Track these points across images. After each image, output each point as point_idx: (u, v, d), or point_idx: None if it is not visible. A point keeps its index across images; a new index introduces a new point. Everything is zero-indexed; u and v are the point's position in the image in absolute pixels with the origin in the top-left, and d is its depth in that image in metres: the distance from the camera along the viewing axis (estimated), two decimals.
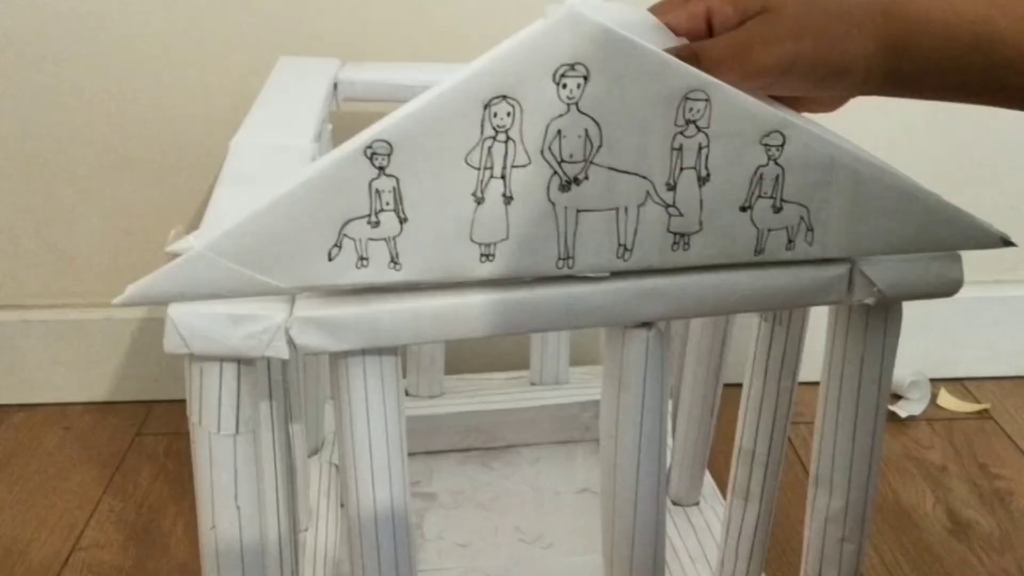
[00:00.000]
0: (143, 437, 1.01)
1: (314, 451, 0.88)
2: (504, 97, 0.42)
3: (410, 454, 0.90)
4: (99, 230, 1.00)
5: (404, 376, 0.94)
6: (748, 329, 0.64)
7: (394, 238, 0.43)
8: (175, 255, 0.43)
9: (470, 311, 0.45)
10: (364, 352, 0.46)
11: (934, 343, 1.09)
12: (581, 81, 0.42)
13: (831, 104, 0.52)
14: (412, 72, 0.82)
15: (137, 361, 1.05)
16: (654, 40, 0.44)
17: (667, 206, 0.45)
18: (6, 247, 1.01)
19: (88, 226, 1.00)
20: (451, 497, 0.87)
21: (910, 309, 0.55)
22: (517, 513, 0.85)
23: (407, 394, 0.94)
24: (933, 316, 1.06)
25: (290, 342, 0.44)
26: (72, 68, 0.94)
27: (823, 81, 0.47)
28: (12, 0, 0.91)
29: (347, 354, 0.46)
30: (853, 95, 0.50)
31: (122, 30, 0.93)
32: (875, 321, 0.51)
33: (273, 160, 0.59)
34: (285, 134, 0.65)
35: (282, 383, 0.58)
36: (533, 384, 0.96)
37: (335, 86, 0.80)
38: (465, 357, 1.00)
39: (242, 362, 0.45)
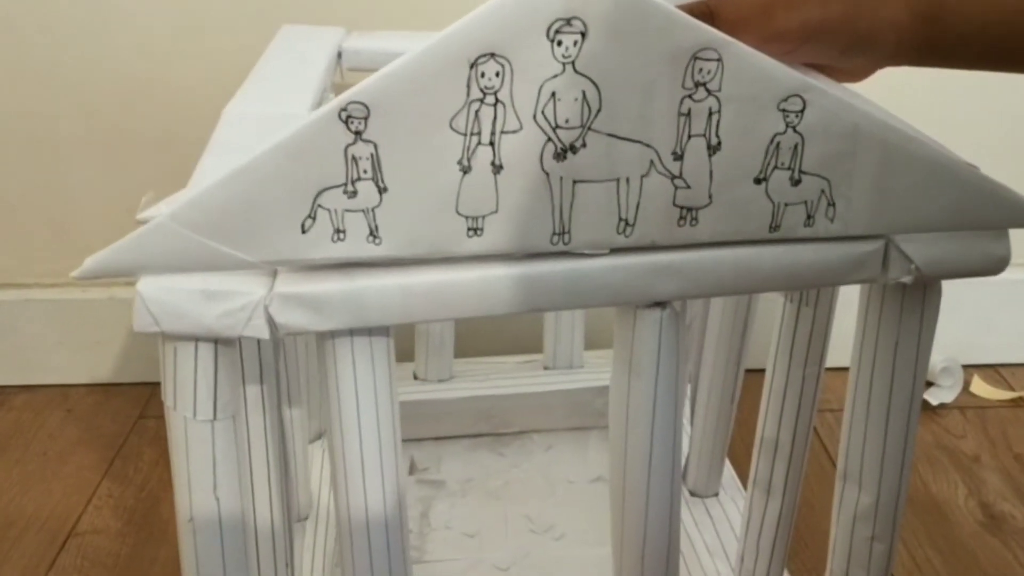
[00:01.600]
0: (145, 420, 0.98)
1: (318, 436, 0.85)
2: (492, 55, 0.37)
3: (418, 440, 0.89)
4: (102, 208, 0.98)
5: (412, 359, 0.91)
6: (771, 310, 0.60)
7: (373, 209, 0.39)
8: (146, 223, 0.40)
9: (465, 288, 0.41)
10: (352, 332, 0.42)
11: (967, 327, 1.05)
12: (578, 38, 0.38)
13: (855, 74, 0.48)
14: (421, 41, 0.78)
15: (141, 342, 1.02)
16: None
17: (673, 177, 0.41)
18: (8, 226, 0.99)
19: (90, 204, 0.98)
20: (459, 485, 0.84)
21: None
22: (528, 502, 0.82)
23: (415, 377, 0.90)
24: (966, 298, 1.01)
25: (270, 321, 0.40)
26: (73, 45, 0.91)
27: (849, 50, 0.43)
28: None
29: (333, 334, 0.42)
30: (881, 66, 0.46)
31: (123, 5, 0.90)
32: (911, 302, 0.47)
33: (265, 129, 0.55)
34: (281, 102, 0.62)
35: (273, 364, 0.55)
36: (546, 368, 0.92)
37: (339, 55, 0.77)
38: (476, 340, 0.97)
39: (219, 342, 0.41)
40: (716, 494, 0.81)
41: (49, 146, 0.95)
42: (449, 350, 0.90)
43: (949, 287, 0.49)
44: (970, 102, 0.97)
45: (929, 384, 1.03)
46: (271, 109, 0.59)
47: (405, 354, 0.90)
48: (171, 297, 0.40)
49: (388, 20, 0.91)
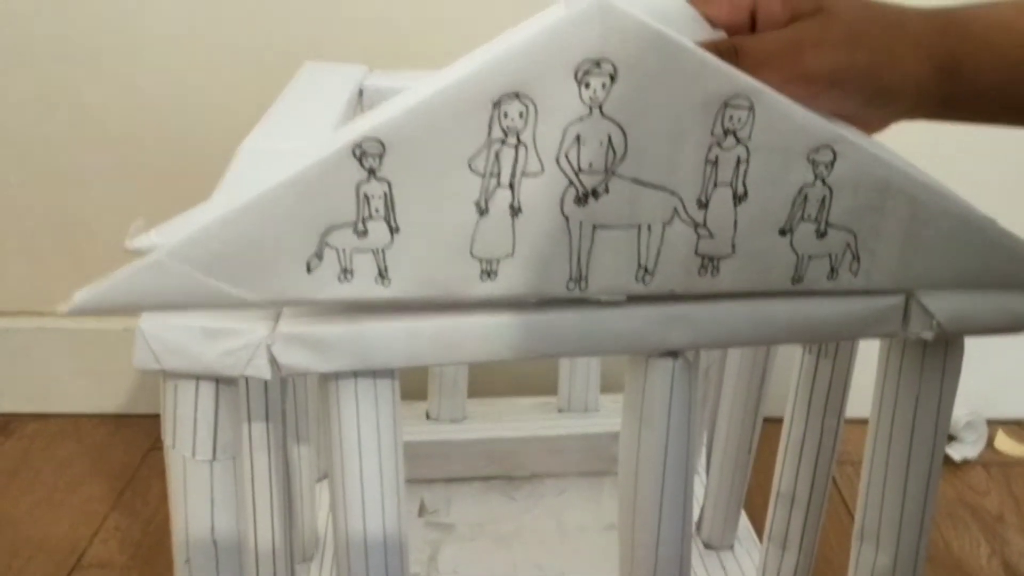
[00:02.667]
0: (156, 452, 0.97)
1: (325, 475, 0.84)
2: (517, 95, 0.36)
3: (429, 481, 0.87)
4: (120, 239, 0.97)
5: (425, 398, 0.90)
6: (790, 357, 0.59)
7: (383, 249, 0.38)
8: (136, 253, 0.39)
9: (472, 333, 0.40)
10: (356, 374, 0.41)
11: (991, 380, 1.02)
12: (607, 80, 0.37)
13: (871, 125, 0.47)
14: (467, 62, 0.78)
15: (153, 374, 1.02)
16: (691, 34, 0.39)
17: (696, 226, 0.40)
18: (25, 254, 0.99)
19: (109, 235, 0.97)
20: (469, 529, 0.82)
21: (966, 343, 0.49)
22: (538, 549, 0.80)
23: (428, 417, 0.89)
24: (990, 351, 0.99)
25: (272, 361, 0.40)
26: (98, 79, 0.92)
27: (872, 99, 0.42)
28: (33, 8, 0.89)
29: (337, 376, 0.41)
30: (899, 119, 0.46)
31: (144, 38, 0.91)
32: (932, 357, 0.45)
33: (279, 165, 0.55)
34: (298, 139, 0.61)
35: (279, 403, 0.54)
36: (561, 411, 0.91)
37: (360, 93, 0.77)
38: (490, 380, 0.96)
39: (220, 381, 0.41)
40: (731, 547, 0.79)
41: (71, 176, 0.96)
42: (462, 390, 0.89)
43: (973, 340, 0.48)
44: (979, 149, 0.96)
45: (952, 439, 1.01)
46: (287, 145, 0.59)
47: (418, 393, 0.90)
48: (172, 335, 0.39)
49: (413, 58, 0.91)
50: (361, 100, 0.77)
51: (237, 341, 0.39)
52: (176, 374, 0.40)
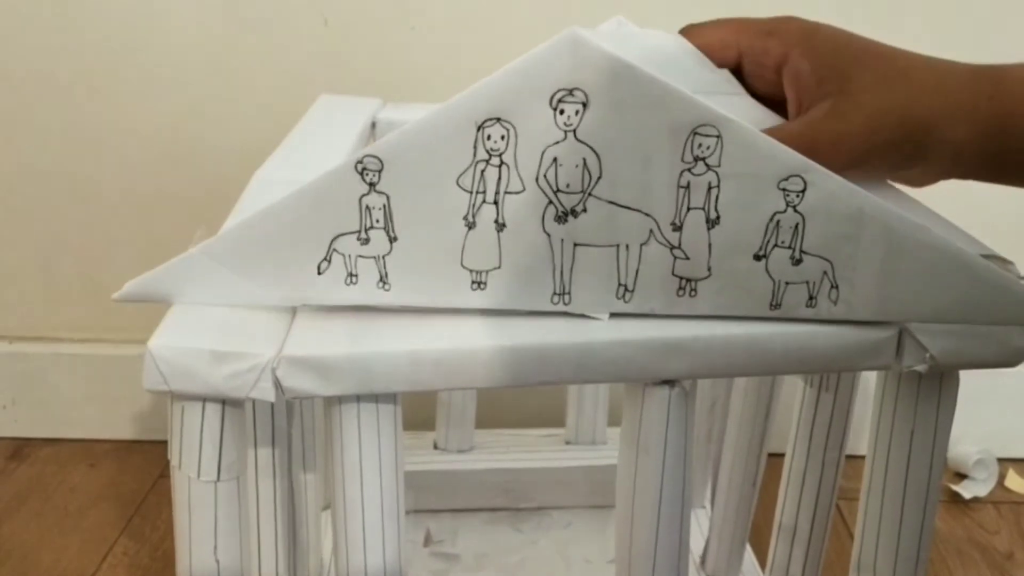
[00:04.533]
0: (166, 479, 0.98)
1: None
2: (498, 119, 0.39)
3: (435, 511, 0.88)
4: (136, 266, 0.98)
5: (434, 428, 0.90)
6: (794, 393, 0.59)
7: (383, 257, 0.41)
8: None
9: (473, 359, 0.41)
10: (359, 398, 0.42)
11: (1002, 418, 1.02)
12: (580, 107, 0.39)
13: (912, 183, 0.47)
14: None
15: (165, 400, 1.03)
16: (687, 67, 0.40)
17: (672, 247, 0.41)
18: (41, 279, 1.00)
19: (125, 262, 0.99)
20: (475, 560, 0.83)
21: (975, 379, 0.49)
22: None
23: (435, 447, 0.90)
24: (1000, 387, 0.99)
25: (277, 384, 0.41)
26: (110, 101, 0.94)
27: (898, 167, 0.43)
28: (53, 33, 0.92)
29: (340, 400, 0.42)
30: (942, 179, 0.45)
31: (162, 64, 0.93)
32: (927, 390, 0.46)
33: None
34: (311, 170, 0.63)
35: (286, 428, 0.55)
36: (568, 443, 0.91)
37: (373, 125, 0.78)
38: (498, 411, 0.96)
39: (227, 403, 0.41)
40: None
41: (89, 204, 0.97)
42: (470, 420, 0.89)
43: (983, 377, 0.48)
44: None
45: (962, 477, 1.00)
46: (299, 175, 0.60)
47: (426, 423, 0.90)
48: (180, 357, 0.40)
49: (429, 91, 0.92)
50: (374, 132, 0.78)
51: (243, 364, 0.40)
52: (183, 395, 0.41)
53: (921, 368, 0.43)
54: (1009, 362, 0.44)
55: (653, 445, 0.44)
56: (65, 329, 1.02)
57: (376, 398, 0.42)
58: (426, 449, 0.90)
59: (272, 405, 0.53)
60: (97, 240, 0.99)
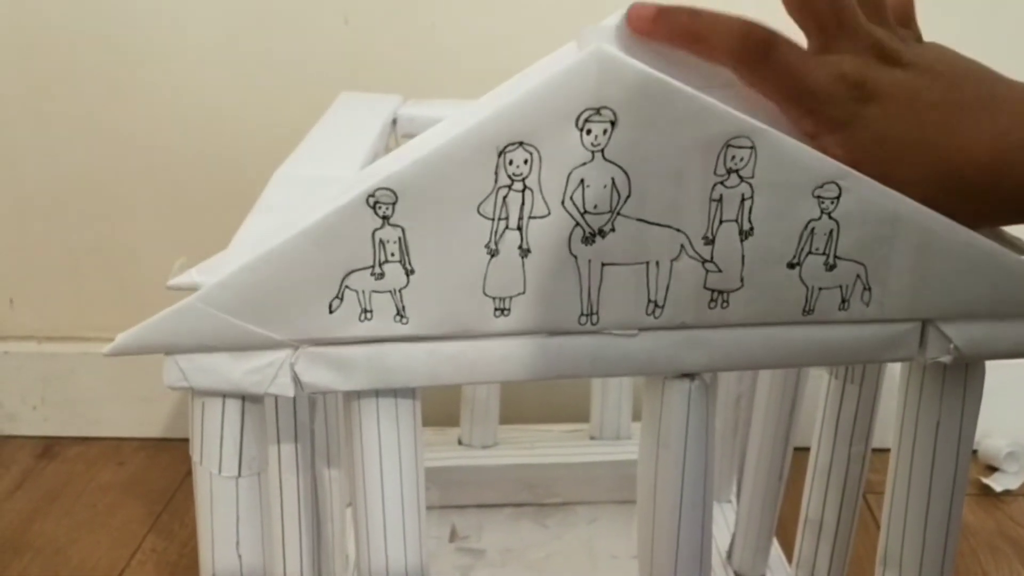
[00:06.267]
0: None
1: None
2: (521, 144, 0.37)
3: (460, 507, 0.88)
4: (163, 266, 0.99)
5: (458, 424, 0.90)
6: (820, 387, 0.59)
7: (400, 290, 0.40)
8: (176, 290, 0.40)
9: (491, 354, 0.41)
10: (378, 394, 0.42)
11: None
12: (608, 127, 0.37)
13: None
14: (475, 109, 0.79)
15: None
16: (703, 75, 0.40)
17: (704, 261, 0.40)
18: (69, 279, 1.01)
19: (152, 262, 1.00)
20: (500, 555, 0.83)
21: (1005, 371, 0.49)
22: None
23: (460, 443, 0.90)
24: None
25: (295, 379, 0.41)
26: (134, 103, 0.95)
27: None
28: (77, 36, 0.92)
29: (359, 395, 0.42)
30: None
31: (185, 65, 0.93)
32: (952, 381, 0.45)
33: (312, 191, 0.56)
34: (331, 166, 0.63)
35: (308, 424, 0.55)
36: (593, 438, 0.91)
37: (394, 122, 0.78)
38: (521, 407, 0.96)
39: (247, 399, 0.42)
40: (763, 575, 0.78)
41: (116, 204, 0.98)
42: (494, 416, 0.89)
43: (1013, 370, 0.47)
44: None
45: (993, 469, 0.99)
46: (319, 172, 0.60)
47: (450, 420, 0.90)
48: (200, 354, 0.40)
49: (449, 87, 0.92)
50: (395, 129, 0.79)
51: (262, 360, 0.40)
52: (203, 392, 0.41)
53: (945, 359, 0.43)
54: None
55: (674, 439, 0.43)
56: (93, 329, 1.02)
57: (395, 393, 0.42)
58: (451, 445, 0.90)
59: (294, 400, 0.53)
60: (125, 240, 1.00)
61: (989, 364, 0.47)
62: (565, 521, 0.87)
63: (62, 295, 1.02)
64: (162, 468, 1.00)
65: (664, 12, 0.41)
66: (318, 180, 0.58)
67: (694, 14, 0.41)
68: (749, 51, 0.40)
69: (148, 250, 1.00)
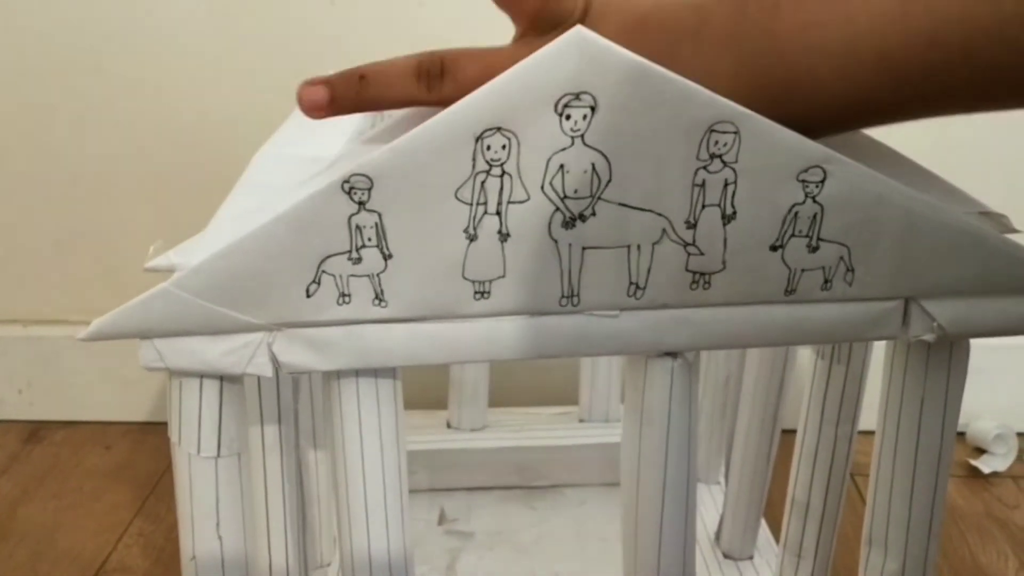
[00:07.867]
0: None
1: None
2: (499, 129, 0.37)
3: (449, 490, 0.88)
4: (146, 247, 0.99)
5: (447, 407, 0.90)
6: (807, 368, 0.58)
7: (378, 274, 0.39)
8: (155, 272, 0.40)
9: (471, 334, 0.40)
10: (358, 374, 0.42)
11: (1021, 393, 1.01)
12: (587, 112, 0.37)
13: None
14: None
15: None
16: None
17: (686, 244, 0.40)
18: (58, 263, 1.01)
19: (140, 245, 0.99)
20: (489, 537, 0.82)
21: (993, 352, 0.48)
22: (558, 558, 0.80)
23: (448, 426, 0.90)
24: (1019, 362, 0.98)
25: (273, 359, 0.40)
26: (121, 84, 0.94)
27: None
28: (62, 19, 0.91)
29: (339, 375, 0.42)
30: None
31: (170, 49, 0.92)
32: (936, 360, 0.45)
33: (294, 169, 0.55)
34: (314, 145, 0.62)
35: (292, 405, 0.55)
36: (582, 421, 0.91)
37: None
38: (511, 390, 0.96)
39: (224, 379, 0.41)
40: (751, 557, 0.78)
41: (104, 187, 0.98)
42: (483, 399, 0.89)
43: (1003, 350, 0.47)
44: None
45: (982, 451, 0.99)
46: (302, 151, 0.60)
47: (439, 402, 0.90)
48: None
49: None
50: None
51: (239, 340, 0.40)
52: (180, 372, 0.41)
53: (929, 337, 0.42)
54: (1020, 330, 0.43)
55: (657, 417, 0.43)
56: (79, 313, 1.02)
57: (375, 373, 0.42)
58: (439, 428, 0.90)
59: (277, 381, 0.53)
60: (111, 224, 0.99)
61: (978, 348, 0.46)
62: (554, 504, 0.87)
63: (48, 279, 1.02)
64: (149, 452, 1.00)
65: (335, 95, 0.43)
66: (301, 159, 0.58)
67: (362, 79, 0.43)
68: (425, 78, 0.43)
69: (133, 233, 0.99)
